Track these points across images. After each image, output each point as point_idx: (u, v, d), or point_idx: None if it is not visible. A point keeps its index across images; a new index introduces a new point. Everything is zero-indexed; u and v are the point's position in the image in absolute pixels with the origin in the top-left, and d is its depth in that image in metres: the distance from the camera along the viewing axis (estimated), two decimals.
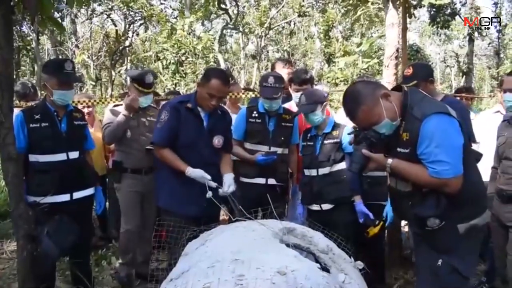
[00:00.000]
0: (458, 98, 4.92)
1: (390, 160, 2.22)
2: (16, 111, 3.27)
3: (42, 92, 4.17)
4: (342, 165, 3.36)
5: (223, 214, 4.06)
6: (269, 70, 4.84)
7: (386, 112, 2.14)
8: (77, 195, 3.11)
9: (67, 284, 3.65)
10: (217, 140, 3.19)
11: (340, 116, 3.98)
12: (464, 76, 18.45)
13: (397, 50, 3.79)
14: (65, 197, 3.03)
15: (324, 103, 3.42)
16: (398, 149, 2.20)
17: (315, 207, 3.44)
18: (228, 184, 3.04)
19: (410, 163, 2.17)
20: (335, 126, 3.43)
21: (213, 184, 2.92)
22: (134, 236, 3.91)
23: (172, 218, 2.81)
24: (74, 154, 3.11)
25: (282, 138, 3.62)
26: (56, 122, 3.06)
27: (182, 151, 3.07)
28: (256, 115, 3.63)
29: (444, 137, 2.06)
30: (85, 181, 3.20)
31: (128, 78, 3.93)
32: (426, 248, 2.32)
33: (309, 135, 3.51)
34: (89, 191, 3.23)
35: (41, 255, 2.62)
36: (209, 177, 2.93)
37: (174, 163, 3.02)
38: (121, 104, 3.78)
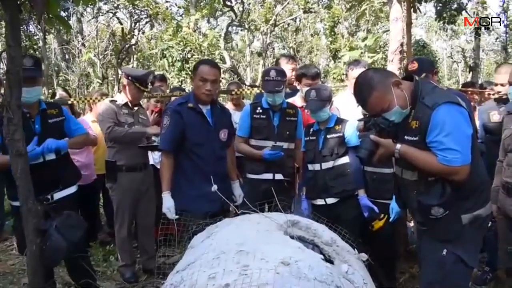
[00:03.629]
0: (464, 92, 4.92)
1: (398, 145, 2.25)
2: None
3: (51, 90, 4.18)
4: (346, 159, 3.39)
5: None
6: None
7: (397, 99, 2.18)
8: (58, 195, 3.06)
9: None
10: (223, 134, 3.32)
11: (338, 101, 3.96)
12: (471, 72, 18.33)
13: (401, 45, 3.80)
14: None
15: (332, 100, 3.47)
16: (406, 137, 2.24)
17: (319, 201, 3.45)
18: (239, 194, 3.45)
19: (418, 150, 2.19)
20: (338, 120, 3.46)
21: (173, 216, 3.03)
22: (129, 237, 3.97)
23: (188, 216, 2.87)
24: (50, 155, 3.01)
25: (288, 133, 3.65)
26: (29, 124, 2.95)
27: (194, 149, 3.17)
28: (260, 111, 3.65)
29: (455, 126, 2.10)
30: (64, 181, 3.14)
31: (125, 75, 3.95)
32: (430, 239, 2.33)
33: (311, 130, 3.53)
34: (70, 190, 3.18)
35: (50, 249, 2.66)
36: (173, 215, 3.02)
37: (163, 178, 3.15)
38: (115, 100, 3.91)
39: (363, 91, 2.24)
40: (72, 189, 3.22)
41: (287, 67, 4.23)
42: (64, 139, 3.12)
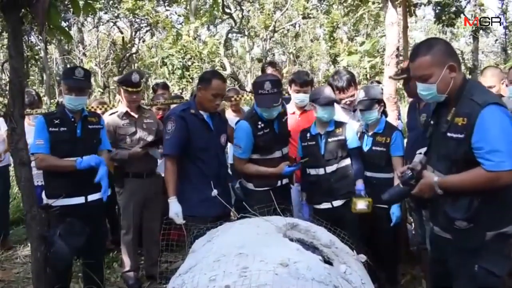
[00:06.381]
0: None
1: (436, 178, 2.19)
2: (26, 119, 3.40)
3: (53, 99, 4.28)
4: (348, 161, 3.41)
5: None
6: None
7: (440, 81, 2.14)
8: (92, 197, 3.19)
9: (78, 285, 3.76)
10: (223, 139, 3.37)
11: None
12: (470, 74, 18.35)
13: (398, 49, 3.84)
14: (80, 200, 3.14)
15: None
16: (449, 134, 2.15)
17: (325, 205, 3.40)
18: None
19: (456, 174, 2.12)
20: (338, 123, 3.46)
21: (181, 221, 3.06)
22: (134, 242, 4.01)
23: (194, 220, 2.91)
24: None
25: (287, 134, 3.55)
26: (73, 127, 3.16)
27: (199, 154, 3.20)
28: (262, 125, 3.30)
29: (503, 128, 2.03)
30: (99, 184, 3.23)
31: (117, 84, 4.03)
32: (458, 251, 2.25)
33: (308, 134, 3.47)
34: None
35: (54, 256, 2.70)
36: (181, 220, 3.06)
37: (168, 183, 3.16)
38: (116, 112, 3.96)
39: (421, 48, 2.20)
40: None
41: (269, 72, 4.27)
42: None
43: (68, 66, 17.54)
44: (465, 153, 2.09)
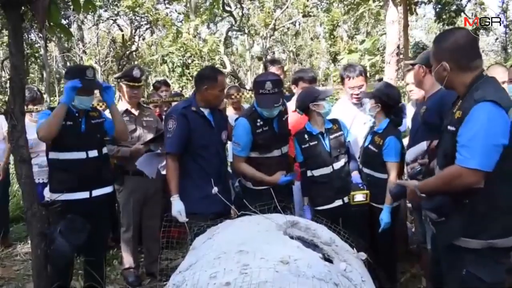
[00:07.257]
0: None
1: (416, 183, 2.26)
2: (27, 115, 3.41)
3: (53, 97, 4.27)
4: (346, 156, 3.43)
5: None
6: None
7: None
8: (96, 192, 3.22)
9: (79, 282, 3.78)
10: (224, 135, 3.37)
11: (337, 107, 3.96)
12: None
13: (398, 47, 3.84)
14: (85, 195, 3.16)
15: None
16: (448, 127, 2.14)
17: (337, 202, 3.34)
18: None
19: (432, 176, 2.21)
20: (332, 121, 3.44)
21: (184, 219, 3.06)
22: (134, 240, 4.02)
23: (196, 218, 2.93)
24: (93, 153, 3.21)
25: (286, 133, 3.49)
26: (78, 122, 3.19)
27: (200, 151, 3.21)
28: (261, 122, 3.26)
29: (486, 127, 1.94)
30: (104, 179, 3.29)
31: (117, 80, 4.05)
32: (450, 255, 2.24)
33: (306, 136, 3.38)
34: (107, 189, 3.33)
35: (55, 253, 2.71)
36: (184, 218, 3.05)
37: (170, 181, 3.16)
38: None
39: (436, 38, 2.28)
40: (109, 189, 3.37)
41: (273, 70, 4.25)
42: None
43: (68, 64, 17.59)
44: (454, 146, 2.06)
